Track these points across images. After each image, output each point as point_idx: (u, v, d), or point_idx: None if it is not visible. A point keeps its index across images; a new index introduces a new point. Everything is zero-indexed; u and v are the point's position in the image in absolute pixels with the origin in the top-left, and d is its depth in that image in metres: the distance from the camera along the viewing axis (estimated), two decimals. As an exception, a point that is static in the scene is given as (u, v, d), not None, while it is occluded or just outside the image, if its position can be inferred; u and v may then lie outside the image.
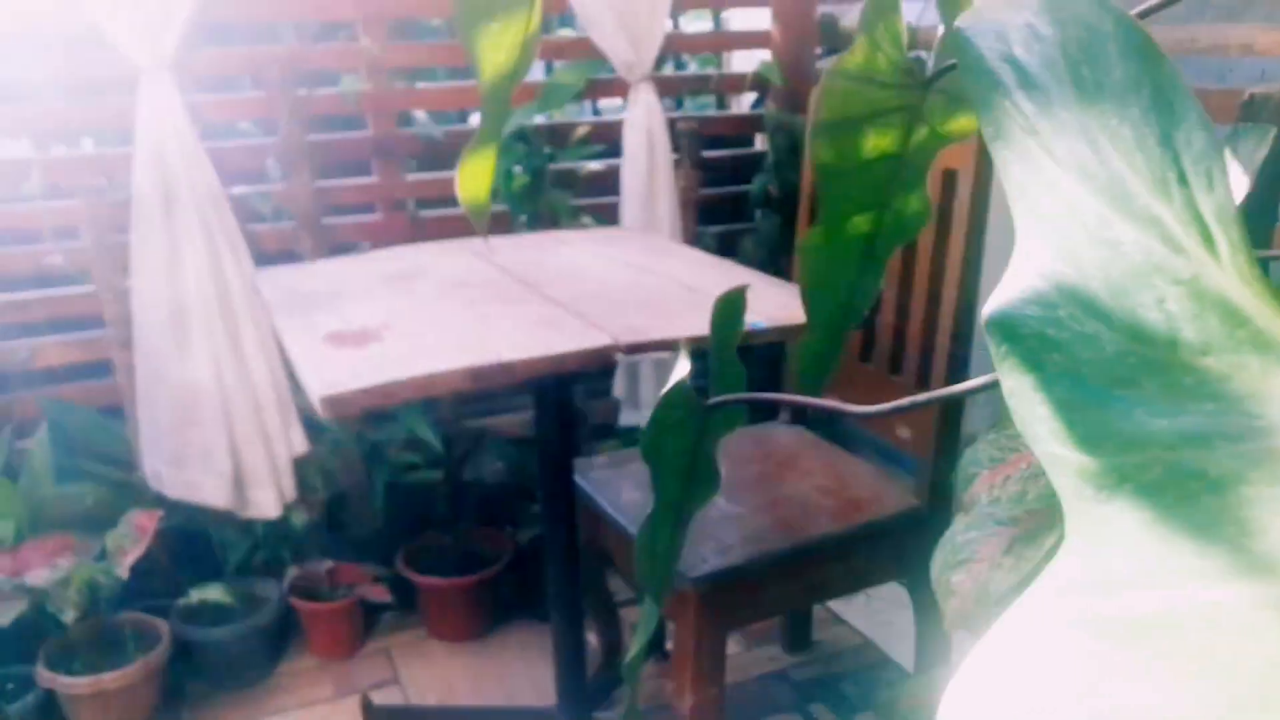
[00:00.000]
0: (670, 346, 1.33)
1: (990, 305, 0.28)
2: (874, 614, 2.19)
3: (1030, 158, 0.25)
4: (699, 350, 0.95)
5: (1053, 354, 0.24)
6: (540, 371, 1.24)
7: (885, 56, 0.88)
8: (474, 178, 0.74)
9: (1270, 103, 1.42)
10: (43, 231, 1.96)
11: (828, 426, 1.95)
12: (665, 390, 0.89)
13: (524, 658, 2.10)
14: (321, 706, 1.98)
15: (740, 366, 1.00)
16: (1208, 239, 0.22)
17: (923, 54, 0.89)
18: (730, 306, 0.99)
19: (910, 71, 0.87)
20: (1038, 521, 1.03)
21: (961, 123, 0.90)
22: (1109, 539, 0.21)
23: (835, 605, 2.22)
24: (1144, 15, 0.59)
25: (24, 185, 1.96)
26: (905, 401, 0.76)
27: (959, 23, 0.30)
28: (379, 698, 1.95)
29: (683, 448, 0.97)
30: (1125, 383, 0.22)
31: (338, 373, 1.18)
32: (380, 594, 2.07)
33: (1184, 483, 0.20)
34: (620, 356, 1.27)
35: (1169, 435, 0.21)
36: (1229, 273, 0.21)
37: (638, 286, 1.56)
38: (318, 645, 2.12)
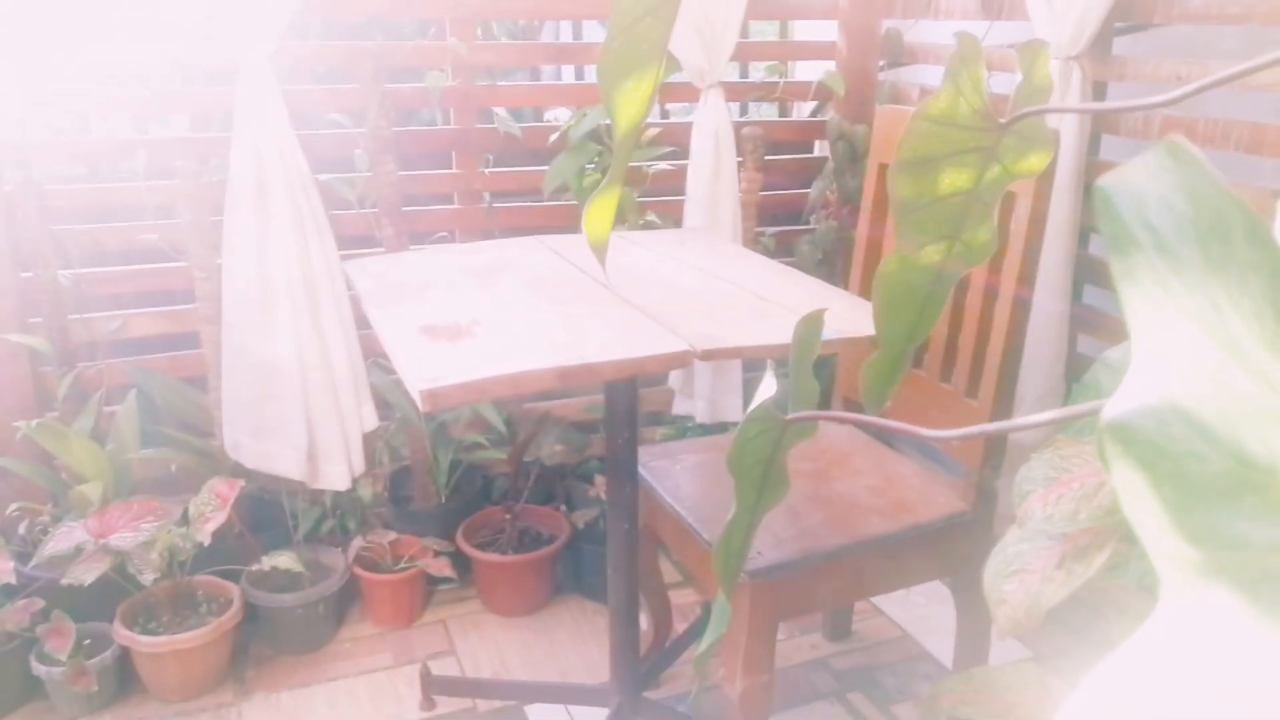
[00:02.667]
0: (741, 355, 1.41)
1: (1110, 411, 0.36)
2: (913, 608, 2.27)
3: (1157, 301, 0.33)
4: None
5: (1164, 461, 0.32)
6: (623, 374, 1.33)
7: (967, 102, 0.96)
8: (599, 216, 0.83)
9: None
10: (143, 209, 2.07)
11: (853, 424, 2.03)
12: (752, 407, 0.98)
13: (576, 635, 2.20)
14: (380, 674, 2.09)
15: (815, 382, 1.08)
16: (1309, 398, 0.29)
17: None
18: (810, 327, 1.07)
19: (988, 115, 0.95)
20: (1089, 539, 1.11)
21: (1031, 162, 0.98)
22: (1208, 618, 0.30)
23: (877, 598, 2.30)
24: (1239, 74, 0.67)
25: (127, 165, 2.07)
26: (975, 430, 0.85)
27: (1101, 181, 0.38)
28: (435, 668, 2.05)
29: (761, 458, 1.06)
30: (1228, 495, 0.30)
31: (435, 367, 1.27)
32: (441, 568, 2.18)
33: (1276, 583, 0.28)
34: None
35: (1265, 542, 0.29)
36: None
37: (708, 292, 1.64)
38: (378, 614, 2.23)
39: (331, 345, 2.11)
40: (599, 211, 0.88)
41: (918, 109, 0.94)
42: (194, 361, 2.16)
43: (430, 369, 1.26)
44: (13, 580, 1.84)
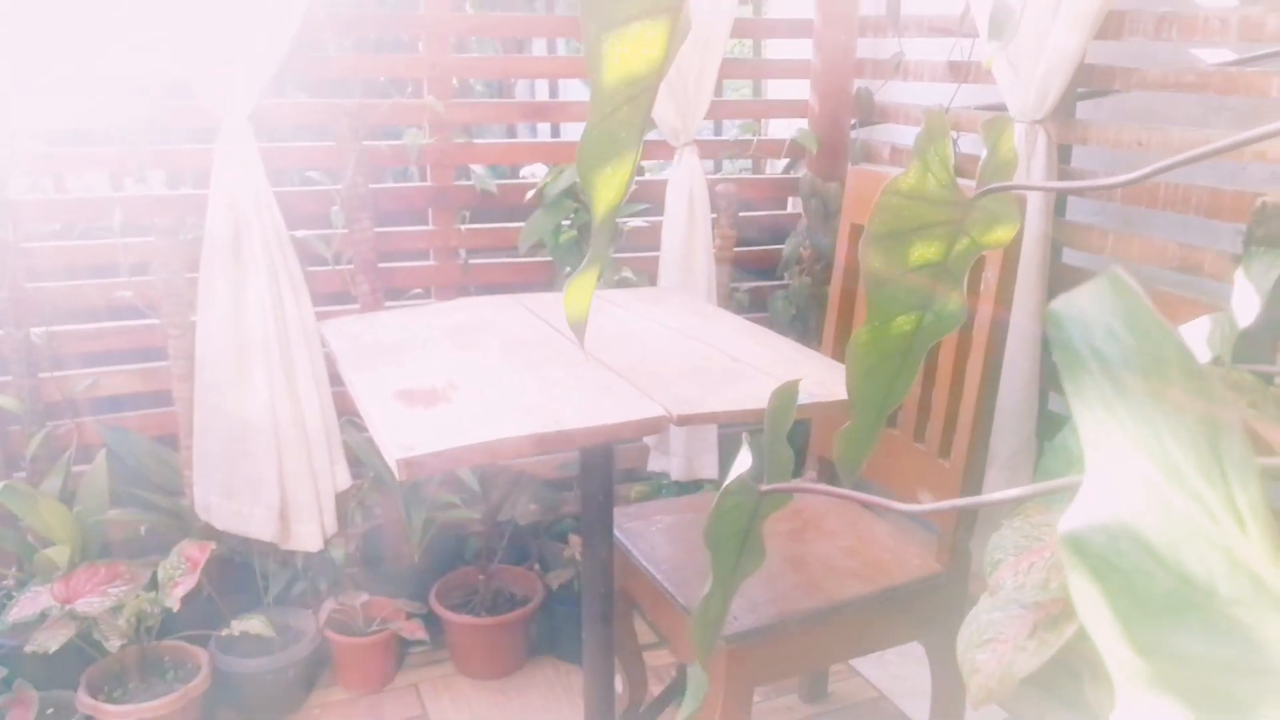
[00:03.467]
0: (717, 420, 1.42)
1: (1065, 524, 0.37)
2: (888, 668, 2.26)
3: (1104, 423, 0.34)
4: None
5: (1114, 575, 0.33)
6: (599, 440, 1.33)
7: (935, 178, 0.98)
8: (579, 295, 0.84)
9: (1283, 211, 1.51)
10: (118, 266, 2.06)
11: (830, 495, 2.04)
12: (729, 480, 0.98)
13: (550, 697, 2.18)
14: (352, 736, 2.06)
15: (789, 450, 1.09)
16: (1240, 522, 0.30)
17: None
18: (785, 398, 1.08)
19: (955, 190, 0.97)
20: (1060, 608, 1.12)
21: (999, 233, 1.00)
22: (1156, 723, 0.30)
23: (852, 659, 2.29)
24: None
25: (103, 222, 2.07)
26: (946, 504, 0.86)
27: (1054, 304, 0.39)
28: (409, 730, 2.02)
29: (738, 529, 1.07)
30: (1173, 612, 0.31)
31: (411, 434, 1.26)
32: (414, 630, 2.15)
33: (1216, 696, 0.29)
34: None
35: (1207, 659, 0.29)
36: (1257, 550, 0.30)
37: (684, 353, 1.65)
38: (349, 678, 2.20)
39: (305, 403, 2.10)
40: (578, 291, 0.88)
41: (888, 184, 0.96)
42: (166, 420, 2.14)
43: (406, 436, 1.25)
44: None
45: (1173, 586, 0.31)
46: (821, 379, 1.54)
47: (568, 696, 2.17)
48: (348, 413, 2.23)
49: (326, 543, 2.15)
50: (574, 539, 2.25)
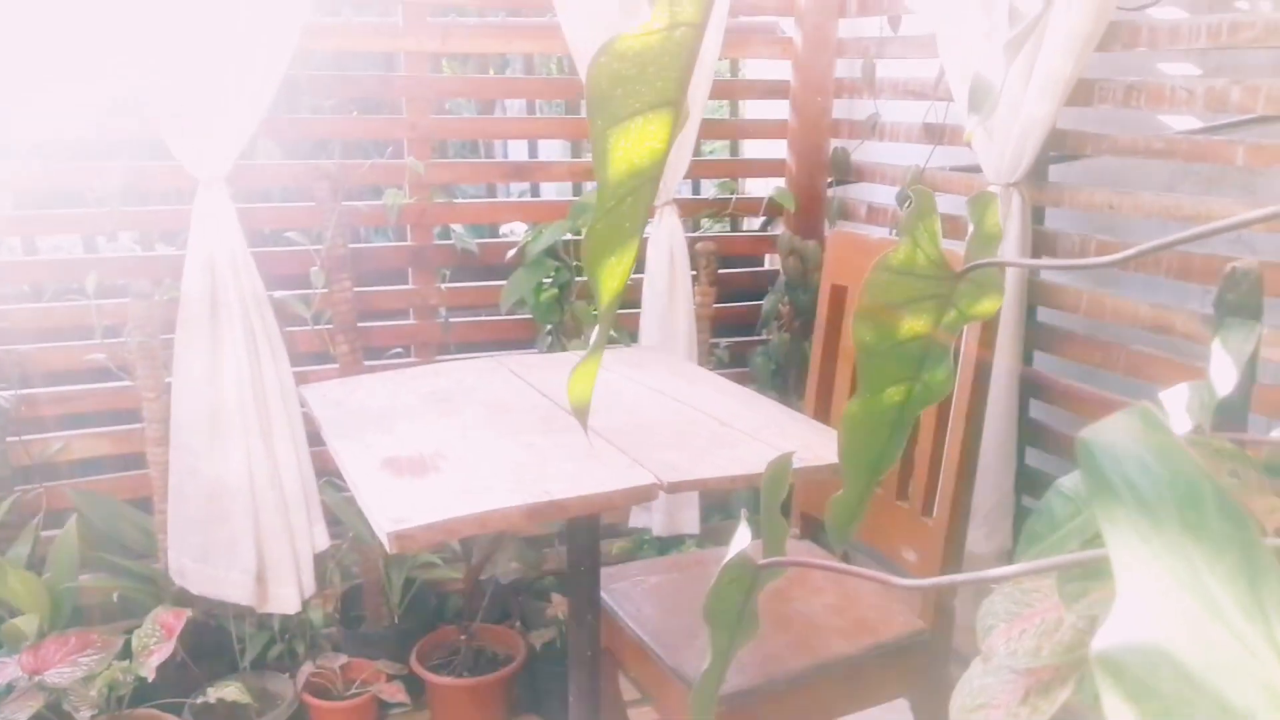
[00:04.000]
0: (706, 486, 1.43)
1: (1100, 643, 0.37)
2: (871, 726, 2.25)
3: (1139, 552, 0.35)
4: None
5: (1153, 699, 0.34)
6: (590, 509, 1.33)
7: (924, 253, 1.00)
8: (582, 381, 0.84)
9: (1250, 276, 1.55)
10: (91, 329, 2.04)
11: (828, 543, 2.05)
12: (728, 559, 0.99)
13: (532, 760, 2.15)
14: (331, 804, 2.02)
15: (784, 522, 1.09)
16: (1280, 657, 0.32)
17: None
18: (780, 470, 1.09)
19: (944, 264, 0.99)
20: (1052, 675, 1.13)
21: (985, 305, 1.02)
22: None
23: (834, 717, 2.29)
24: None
25: (75, 283, 2.05)
26: (944, 580, 0.86)
27: (1084, 433, 0.40)
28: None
29: (735, 603, 1.07)
30: None
31: (401, 506, 1.26)
32: (394, 693, 2.12)
33: None
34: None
35: None
36: (1299, 689, 0.31)
37: (670, 417, 1.65)
38: (328, 742, 2.16)
39: (283, 464, 2.08)
40: (582, 377, 0.89)
41: (878, 261, 0.98)
42: (139, 483, 2.11)
43: (396, 508, 1.25)
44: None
45: (1211, 714, 0.32)
46: (807, 441, 1.55)
47: (550, 760, 2.15)
48: (326, 473, 2.22)
49: (305, 604, 2.12)
50: (556, 597, 2.24)
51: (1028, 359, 2.13)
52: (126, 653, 1.87)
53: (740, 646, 1.13)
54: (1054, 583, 1.19)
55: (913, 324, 1.06)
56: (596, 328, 0.83)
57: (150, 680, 1.83)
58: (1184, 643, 0.35)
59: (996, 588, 1.27)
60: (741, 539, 1.04)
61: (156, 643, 1.83)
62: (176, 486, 2.04)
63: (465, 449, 1.47)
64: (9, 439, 2.00)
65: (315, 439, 2.14)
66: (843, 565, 1.03)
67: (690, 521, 2.40)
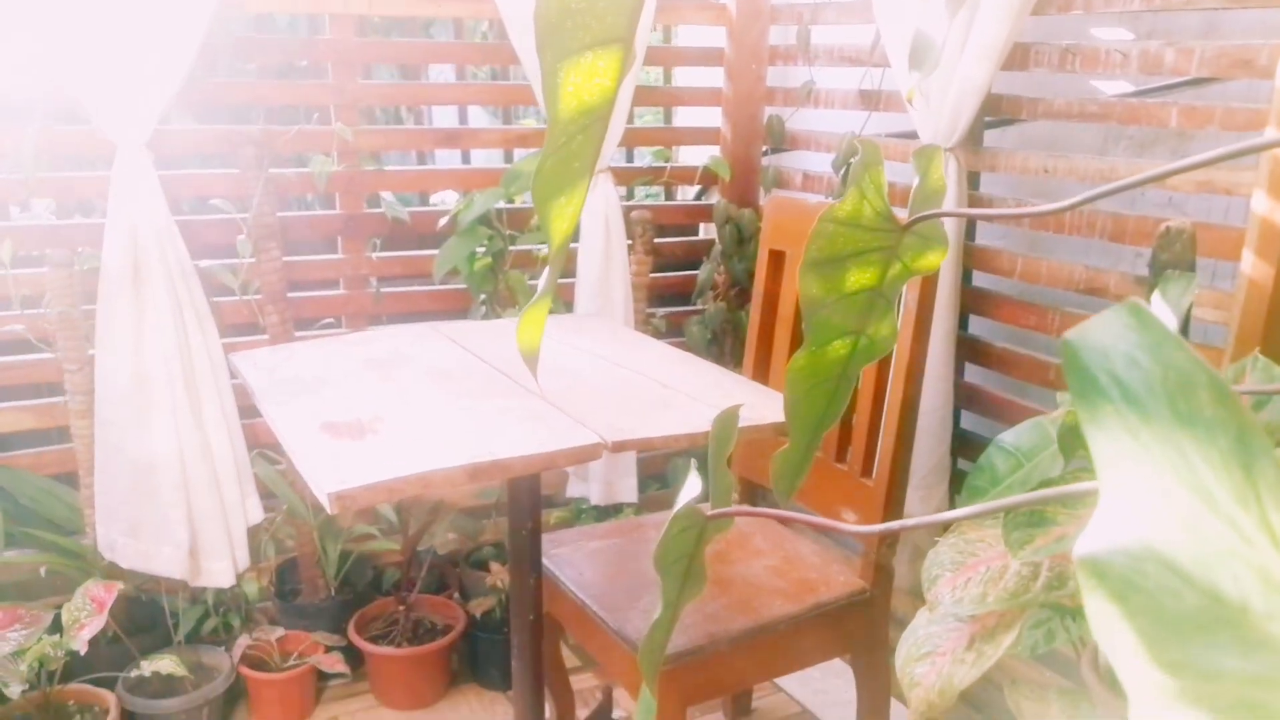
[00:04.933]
0: (651, 445, 1.42)
1: (1081, 547, 0.38)
2: (810, 683, 2.29)
3: (1126, 448, 0.35)
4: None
5: (1138, 596, 0.34)
6: (533, 469, 1.32)
7: (870, 205, 1.01)
8: (531, 326, 0.83)
9: (1184, 235, 1.59)
10: (9, 299, 1.97)
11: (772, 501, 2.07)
12: (678, 508, 0.99)
13: (474, 729, 2.14)
14: (269, 779, 1.99)
15: (730, 475, 1.10)
16: (1276, 543, 0.32)
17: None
18: (727, 423, 1.09)
19: (890, 218, 1.00)
20: (996, 621, 1.15)
21: (929, 259, 1.03)
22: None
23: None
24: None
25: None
26: (895, 524, 0.87)
27: (1068, 335, 0.40)
28: (329, 770, 1.96)
29: (684, 554, 1.07)
30: (1203, 630, 0.32)
31: (340, 468, 1.23)
32: (332, 664, 2.09)
33: (1247, 708, 0.30)
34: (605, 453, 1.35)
35: (1239, 674, 0.31)
36: (1293, 571, 0.31)
37: (612, 380, 1.65)
38: (266, 715, 2.13)
39: (214, 438, 2.03)
40: (531, 323, 0.88)
41: (825, 212, 0.98)
42: (63, 457, 2.04)
43: (335, 470, 1.22)
44: None
45: (1203, 605, 0.32)
46: (750, 402, 1.55)
47: (492, 728, 2.14)
48: (258, 445, 2.17)
49: (239, 578, 2.08)
50: (496, 566, 2.22)
51: (963, 323, 2.17)
52: (56, 628, 1.81)
53: (689, 599, 1.13)
54: (999, 533, 1.22)
55: (859, 277, 1.07)
56: (546, 270, 0.82)
57: (82, 654, 1.78)
58: (1172, 535, 0.35)
59: (941, 540, 1.29)
60: (691, 489, 1.04)
61: (87, 616, 1.78)
62: (103, 461, 1.98)
63: (404, 413, 1.45)
64: (-78, 413, 1.92)
65: (246, 411, 2.10)
66: (792, 514, 1.04)
67: (628, 490, 2.40)
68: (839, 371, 1.13)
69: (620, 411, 1.48)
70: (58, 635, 1.80)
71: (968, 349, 2.16)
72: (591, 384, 1.62)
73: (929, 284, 1.65)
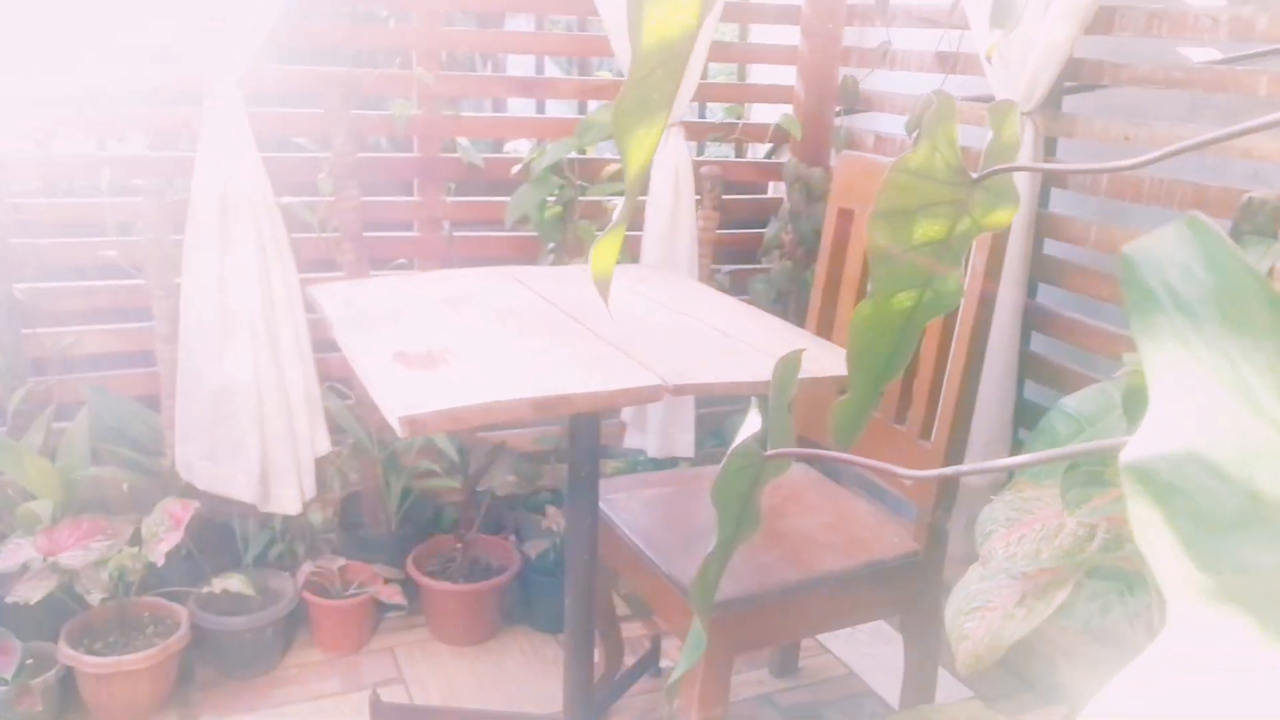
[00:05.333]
0: (711, 390, 1.45)
1: (1128, 455, 0.39)
2: (858, 647, 2.31)
3: (1176, 357, 0.37)
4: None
5: (1177, 498, 0.36)
6: (596, 406, 1.35)
7: (942, 158, 1.01)
8: (605, 254, 0.86)
9: (1267, 206, 1.56)
10: (104, 225, 2.05)
11: (827, 463, 2.08)
12: (737, 443, 1.01)
13: (525, 665, 2.20)
14: (328, 700, 2.07)
15: (790, 420, 1.12)
16: (1318, 443, 0.33)
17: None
18: (789, 367, 1.11)
19: (961, 171, 1.00)
20: (1049, 579, 1.16)
21: (999, 215, 1.03)
22: (1217, 636, 0.33)
23: (822, 636, 2.34)
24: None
25: (85, 182, 2.05)
26: (950, 470, 0.89)
27: (1126, 249, 0.41)
28: (384, 695, 2.03)
29: (740, 492, 1.09)
30: (1240, 526, 0.33)
31: (412, 394, 1.28)
32: (391, 595, 2.17)
33: None
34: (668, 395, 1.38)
35: (1274, 567, 0.32)
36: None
37: (675, 328, 1.67)
38: (326, 640, 2.21)
39: (288, 369, 2.10)
40: (605, 249, 0.91)
41: (896, 162, 0.99)
42: (148, 380, 2.13)
43: (407, 396, 1.27)
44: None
45: (1241, 504, 0.34)
46: (812, 355, 1.57)
47: (542, 665, 2.20)
48: (329, 379, 2.24)
49: (305, 507, 2.15)
50: (552, 510, 2.27)
51: (1031, 291, 2.15)
52: (136, 542, 1.90)
53: (743, 539, 1.16)
54: (1055, 492, 1.22)
55: (927, 229, 1.08)
56: (622, 200, 0.84)
57: (159, 566, 1.87)
58: (1214, 439, 0.37)
59: (996, 497, 1.30)
60: (751, 426, 1.06)
61: (165, 531, 1.87)
62: (184, 385, 2.05)
63: (474, 347, 1.49)
64: (24, 331, 2.02)
65: (319, 346, 2.16)
66: (848, 457, 1.06)
67: (685, 444, 2.43)
68: (903, 324, 1.14)
69: (682, 357, 1.50)
70: (136, 548, 1.89)
71: (1035, 317, 2.14)
72: (655, 330, 1.65)
73: (998, 244, 1.64)
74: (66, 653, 1.91)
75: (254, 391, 2.04)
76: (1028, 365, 2.17)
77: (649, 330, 1.64)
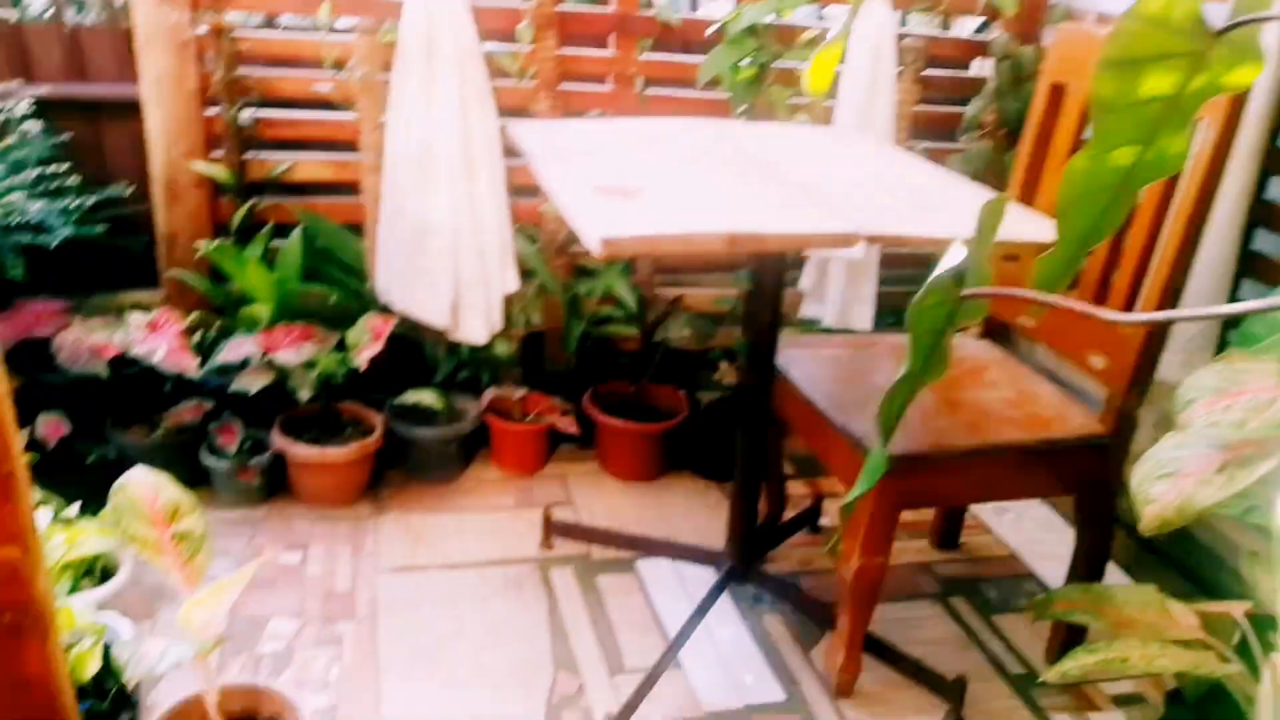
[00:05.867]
0: (905, 243, 1.43)
1: None
2: (1022, 531, 2.29)
3: None
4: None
5: None
6: (787, 247, 1.37)
7: (1182, 5, 0.95)
8: (823, 67, 0.86)
9: None
10: (321, 60, 2.16)
11: (1012, 347, 2.03)
12: (936, 274, 1.01)
13: (688, 505, 2.30)
14: (503, 514, 2.22)
15: (989, 268, 1.10)
16: None
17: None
18: (994, 211, 1.08)
19: (1201, 21, 0.94)
20: (1255, 449, 1.12)
21: (1240, 74, 0.97)
22: None
23: (986, 516, 2.33)
24: None
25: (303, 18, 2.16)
26: (1163, 316, 0.86)
27: None
28: (556, 515, 2.14)
29: (933, 327, 1.09)
30: None
31: (610, 220, 1.32)
32: (568, 425, 2.29)
33: None
34: (817, 253, 1.37)
35: None
36: None
37: (871, 184, 1.66)
38: (504, 461, 2.37)
39: (483, 208, 2.17)
40: (822, 64, 0.91)
41: (1131, 8, 0.94)
42: (354, 209, 2.26)
43: (605, 221, 1.30)
44: (196, 375, 2.00)
45: None
46: (1015, 226, 1.53)
47: (705, 507, 2.28)
48: (519, 221, 2.31)
49: (491, 339, 2.26)
50: (725, 364, 2.32)
51: (1262, 185, 1.99)
52: (341, 349, 2.08)
53: (929, 381, 1.16)
54: (1271, 366, 1.17)
55: (1156, 82, 1.03)
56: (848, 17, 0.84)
57: (360, 373, 2.05)
58: None
59: (1205, 367, 1.25)
60: (952, 259, 1.06)
61: (366, 341, 2.04)
62: (387, 216, 2.16)
63: (669, 184, 1.52)
64: (245, 155, 2.17)
65: (516, 192, 2.24)
66: (1051, 297, 1.05)
67: (863, 317, 2.41)
68: (1119, 183, 1.10)
69: (876, 209, 1.49)
70: (341, 354, 2.06)
71: (1263, 212, 1.99)
72: (850, 184, 1.63)
73: (1233, 115, 1.54)
74: (279, 440, 2.13)
75: (450, 227, 2.13)
76: (1246, 263, 2.02)
77: (844, 184, 1.63)
